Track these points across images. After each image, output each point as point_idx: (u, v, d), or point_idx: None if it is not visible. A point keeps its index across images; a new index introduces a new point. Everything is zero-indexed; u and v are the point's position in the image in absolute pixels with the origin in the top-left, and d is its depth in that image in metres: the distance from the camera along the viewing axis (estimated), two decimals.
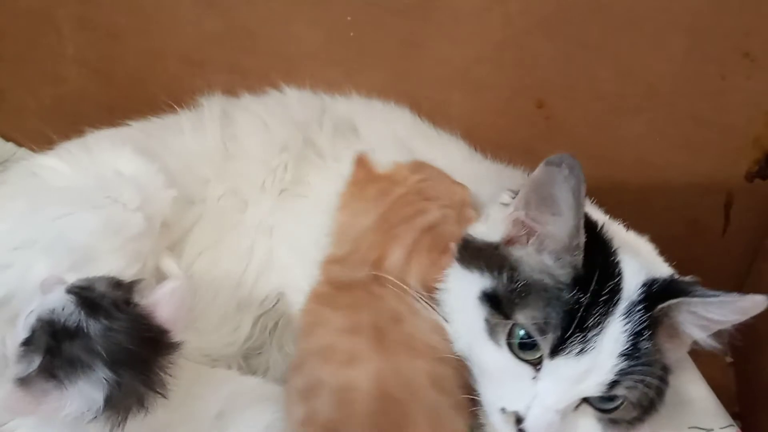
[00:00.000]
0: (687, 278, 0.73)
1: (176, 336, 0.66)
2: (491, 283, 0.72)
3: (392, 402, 0.67)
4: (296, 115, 0.93)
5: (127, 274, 0.74)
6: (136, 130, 0.93)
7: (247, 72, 1.02)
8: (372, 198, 0.80)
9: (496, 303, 0.71)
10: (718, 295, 0.68)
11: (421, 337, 0.71)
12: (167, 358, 0.65)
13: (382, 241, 0.77)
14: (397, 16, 0.94)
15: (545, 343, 0.67)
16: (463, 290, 0.74)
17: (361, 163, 0.83)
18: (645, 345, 0.68)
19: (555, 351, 0.67)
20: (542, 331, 0.67)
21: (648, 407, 0.72)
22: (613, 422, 0.72)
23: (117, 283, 0.67)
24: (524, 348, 0.69)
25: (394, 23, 0.95)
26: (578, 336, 0.67)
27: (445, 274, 0.75)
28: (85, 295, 0.64)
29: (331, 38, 0.98)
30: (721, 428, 0.84)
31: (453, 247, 0.76)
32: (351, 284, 0.75)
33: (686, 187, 0.99)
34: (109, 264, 0.75)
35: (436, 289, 0.75)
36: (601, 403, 0.70)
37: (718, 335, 0.71)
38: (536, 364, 0.69)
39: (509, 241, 0.73)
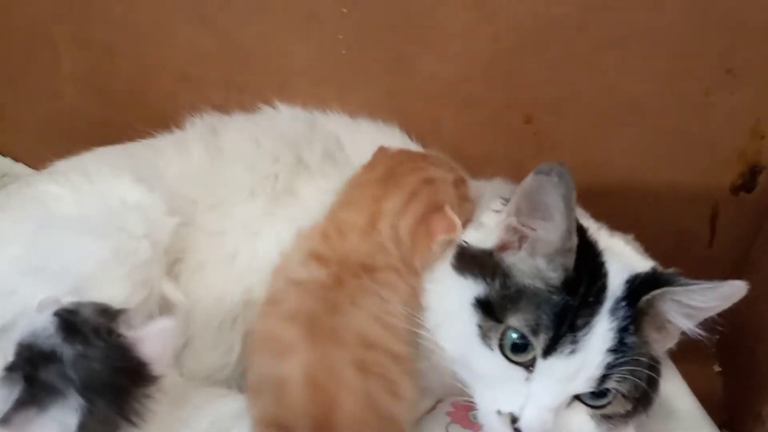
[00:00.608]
0: (669, 270, 0.75)
1: (156, 371, 0.65)
2: (484, 289, 0.74)
3: (319, 389, 0.68)
4: (287, 132, 0.94)
5: (134, 302, 0.74)
6: (132, 152, 0.93)
7: (242, 88, 1.03)
8: (382, 161, 0.85)
9: (489, 309, 0.73)
10: (700, 283, 0.70)
11: (354, 328, 0.72)
12: (144, 390, 0.64)
13: (385, 188, 0.81)
14: (388, 34, 0.95)
15: (538, 344, 0.70)
16: (457, 296, 0.76)
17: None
18: (631, 339, 0.71)
19: (547, 351, 0.69)
20: (535, 333, 0.70)
21: (641, 399, 0.74)
22: (607, 417, 0.74)
23: (104, 310, 0.66)
24: (516, 351, 0.71)
25: (384, 41, 0.96)
26: (569, 336, 0.69)
27: (435, 241, 0.78)
28: (67, 319, 0.64)
29: (322, 56, 0.98)
30: None
31: (448, 210, 0.79)
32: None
33: (673, 200, 1.00)
34: (116, 292, 0.75)
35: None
36: (593, 400, 0.72)
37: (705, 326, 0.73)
38: (528, 366, 0.71)
39: (502, 247, 0.75)
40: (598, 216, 0.83)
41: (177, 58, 1.05)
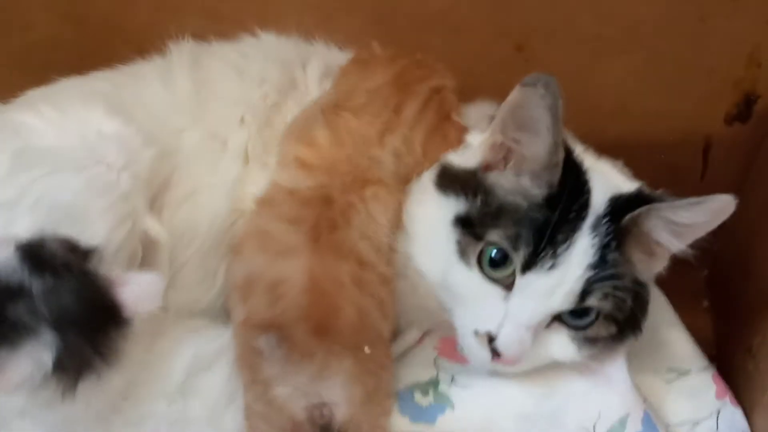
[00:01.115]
0: (656, 191, 0.74)
1: (130, 315, 0.62)
2: (465, 206, 0.73)
3: (322, 294, 0.69)
4: (277, 56, 0.91)
5: (116, 237, 0.72)
6: (105, 81, 0.90)
7: (221, 17, 0.99)
8: (380, 64, 0.83)
9: (469, 225, 0.72)
10: (686, 199, 0.69)
11: (349, 245, 0.73)
12: (119, 330, 0.62)
13: (399, 97, 0.80)
14: None
15: (518, 258, 0.69)
16: (437, 215, 0.75)
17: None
18: (612, 256, 0.70)
19: (527, 266, 0.69)
20: (515, 247, 0.69)
21: (627, 322, 0.74)
22: (591, 340, 0.73)
23: (73, 247, 0.63)
24: (494, 266, 0.71)
25: None
26: (549, 251, 0.68)
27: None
28: (32, 251, 0.60)
29: None
30: (698, 370, 0.85)
31: (456, 117, 0.80)
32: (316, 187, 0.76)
33: (666, 131, 0.99)
34: (97, 226, 0.72)
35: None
36: (574, 320, 0.72)
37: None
38: (506, 285, 0.70)
39: (487, 167, 0.74)
40: (589, 145, 0.81)
41: None
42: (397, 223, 0.77)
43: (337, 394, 0.67)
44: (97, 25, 1.07)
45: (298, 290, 0.68)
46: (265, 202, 0.77)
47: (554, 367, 0.76)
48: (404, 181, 0.78)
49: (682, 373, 0.84)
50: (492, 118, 0.75)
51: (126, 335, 0.62)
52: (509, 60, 0.95)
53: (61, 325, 0.58)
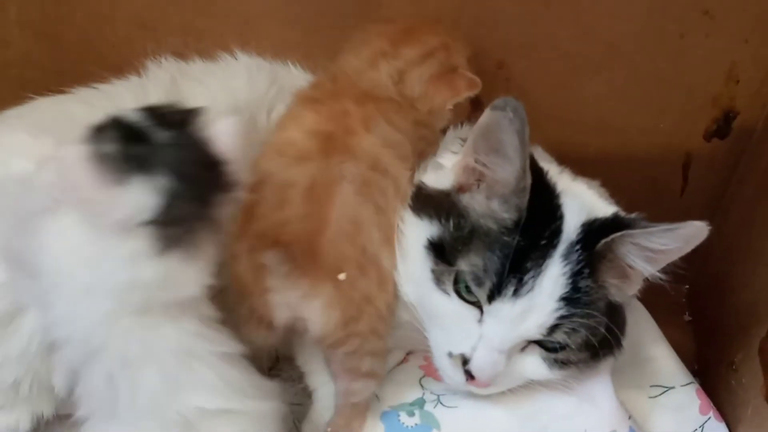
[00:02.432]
0: (631, 215, 0.74)
1: (233, 174, 0.62)
2: (438, 231, 0.73)
3: (317, 203, 0.69)
4: (251, 78, 0.91)
5: None
6: (80, 103, 0.88)
7: (200, 33, 0.98)
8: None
9: (441, 252, 0.72)
10: (659, 225, 0.69)
11: (369, 149, 0.74)
12: (226, 194, 0.62)
13: (405, 37, 0.82)
14: None
15: (482, 293, 0.69)
16: (412, 237, 0.74)
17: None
18: (585, 283, 0.70)
19: (491, 296, 0.69)
20: (479, 281, 0.69)
21: (602, 344, 0.73)
22: (564, 363, 0.73)
23: (185, 109, 0.63)
24: (469, 291, 0.70)
25: None
26: (514, 279, 0.68)
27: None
28: (154, 109, 0.61)
29: None
30: (682, 386, 0.85)
31: (463, 71, 0.82)
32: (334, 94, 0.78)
33: (646, 147, 0.99)
34: None
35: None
36: (547, 344, 0.72)
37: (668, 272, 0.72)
38: (481, 307, 0.70)
39: (460, 189, 0.74)
40: (568, 162, 0.81)
41: (132, 1, 1.00)
42: (414, 138, 0.79)
43: (317, 314, 0.69)
44: (73, 42, 1.05)
45: (301, 197, 0.69)
46: (290, 117, 0.78)
47: (538, 387, 0.76)
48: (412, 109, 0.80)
49: (666, 389, 0.85)
50: (464, 140, 0.75)
51: (232, 201, 0.63)
52: (490, 77, 0.94)
53: (176, 174, 0.58)
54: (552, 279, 0.69)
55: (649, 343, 0.88)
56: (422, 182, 0.77)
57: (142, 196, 0.57)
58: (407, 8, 0.93)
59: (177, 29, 1.00)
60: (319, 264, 0.68)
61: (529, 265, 0.69)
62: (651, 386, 0.85)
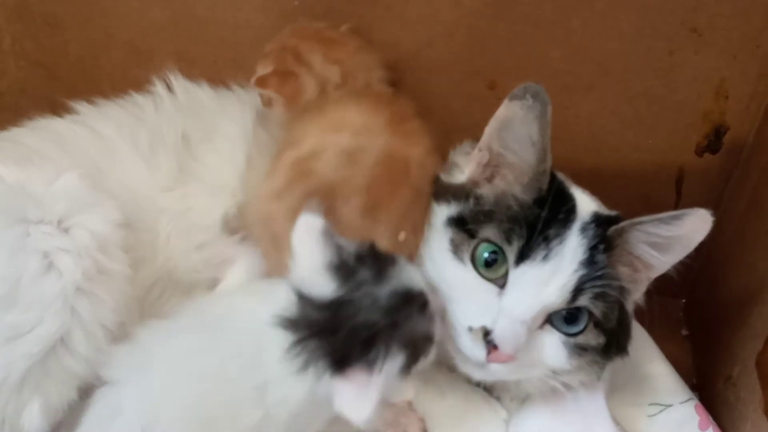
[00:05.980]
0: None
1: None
2: (457, 208, 0.75)
3: (390, 172, 0.75)
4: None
5: None
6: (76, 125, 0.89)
7: (194, 60, 0.99)
8: None
9: (462, 224, 0.74)
10: (666, 213, 0.72)
11: (423, 132, 0.81)
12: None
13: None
14: (346, 0, 0.93)
15: (511, 251, 0.71)
16: (433, 221, 0.77)
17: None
18: (601, 257, 0.72)
19: (521, 258, 0.71)
20: (508, 240, 0.71)
21: (612, 336, 0.75)
22: (581, 348, 0.74)
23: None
24: (488, 266, 0.72)
25: (342, 7, 0.93)
26: (542, 243, 0.70)
27: None
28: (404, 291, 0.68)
29: (279, 24, 0.94)
30: (680, 403, 0.85)
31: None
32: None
33: (639, 163, 1.00)
34: None
35: None
36: (566, 326, 0.73)
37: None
38: (500, 284, 0.72)
39: (475, 183, 0.76)
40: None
41: (127, 29, 1.02)
42: None
43: None
44: (68, 71, 1.07)
45: (374, 161, 0.74)
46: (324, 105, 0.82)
47: (530, 411, 0.76)
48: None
49: (665, 407, 0.85)
50: (476, 142, 0.77)
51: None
52: (482, 98, 0.95)
53: (406, 347, 0.66)
54: (572, 248, 0.72)
55: (647, 361, 0.88)
56: (439, 176, 0.79)
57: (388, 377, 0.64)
58: (398, 33, 0.95)
59: (171, 56, 1.00)
60: (374, 221, 0.73)
61: (551, 233, 0.71)
62: (649, 404, 0.85)
